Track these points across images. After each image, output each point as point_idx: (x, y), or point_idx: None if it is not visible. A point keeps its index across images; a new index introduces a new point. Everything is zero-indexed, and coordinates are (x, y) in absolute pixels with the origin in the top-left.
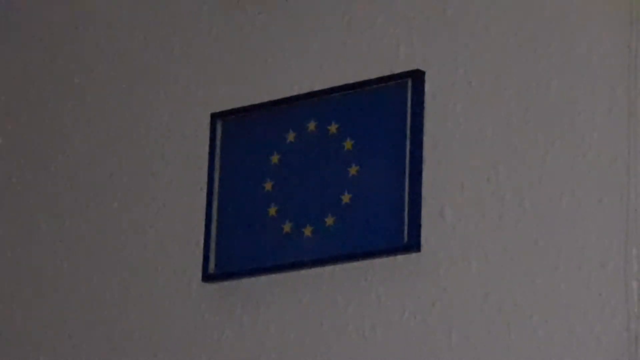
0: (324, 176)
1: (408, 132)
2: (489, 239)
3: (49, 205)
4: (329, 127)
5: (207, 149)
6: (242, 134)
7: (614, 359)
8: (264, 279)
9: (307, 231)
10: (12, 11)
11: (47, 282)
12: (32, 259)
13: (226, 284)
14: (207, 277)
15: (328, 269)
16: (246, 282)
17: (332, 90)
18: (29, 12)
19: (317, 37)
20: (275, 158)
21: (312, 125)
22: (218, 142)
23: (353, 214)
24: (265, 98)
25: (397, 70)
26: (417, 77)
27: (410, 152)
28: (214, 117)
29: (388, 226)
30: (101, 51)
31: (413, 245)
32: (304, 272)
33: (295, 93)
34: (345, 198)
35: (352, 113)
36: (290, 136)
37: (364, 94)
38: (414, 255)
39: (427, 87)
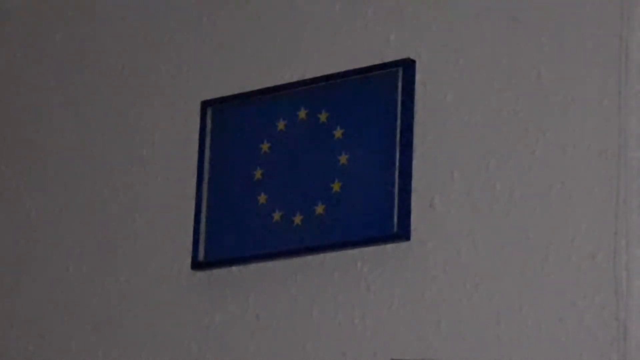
0: (314, 165)
1: (398, 121)
2: (478, 228)
3: (39, 193)
4: (319, 116)
5: (197, 136)
6: (232, 121)
7: (603, 348)
8: (253, 267)
9: (297, 219)
10: (8, 7)
11: (36, 271)
12: (20, 248)
13: (215, 272)
14: (196, 265)
15: (318, 257)
16: (235, 270)
17: (323, 78)
18: (24, 7)
19: (308, 26)
20: (265, 146)
21: (302, 114)
22: (208, 130)
23: (343, 202)
24: (256, 86)
25: (388, 59)
26: (407, 66)
27: (401, 141)
28: (204, 104)
29: (378, 215)
30: (91, 40)
31: (403, 234)
32: (294, 261)
33: (285, 81)
34: (335, 186)
35: (342, 102)
36: (281, 124)
37: (355, 83)
38: (403, 244)
39: (418, 76)
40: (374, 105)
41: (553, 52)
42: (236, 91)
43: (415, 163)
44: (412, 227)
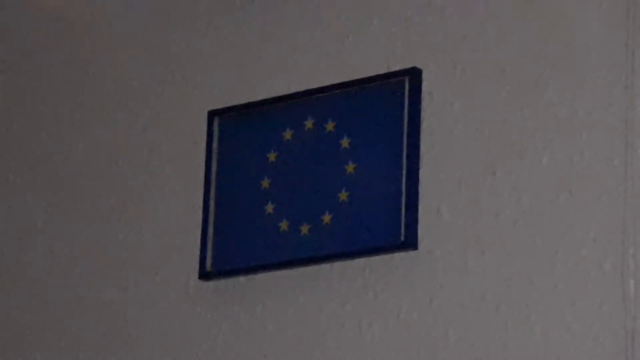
0: (321, 174)
1: (405, 130)
2: (486, 236)
3: (46, 203)
4: (326, 125)
5: (204, 146)
6: (239, 131)
7: (611, 357)
8: (260, 276)
9: (304, 229)
10: (11, 9)
11: (44, 280)
12: (29, 257)
13: (223, 281)
14: (204, 275)
15: (325, 266)
16: (243, 280)
17: (330, 88)
18: (28, 10)
19: (314, 35)
20: (272, 156)
21: (309, 123)
22: (215, 140)
23: (350, 211)
24: (263, 96)
25: (395, 68)
26: (414, 75)
27: (408, 150)
28: (211, 114)
29: (385, 224)
30: (99, 49)
31: (410, 243)
32: (301, 270)
33: (292, 91)
34: (342, 196)
35: (349, 111)
36: (288, 134)
37: (361, 92)
38: (411, 253)
39: (425, 85)
40: (380, 114)
41: (560, 61)
42: (243, 101)
43: (422, 172)
44: (420, 236)
